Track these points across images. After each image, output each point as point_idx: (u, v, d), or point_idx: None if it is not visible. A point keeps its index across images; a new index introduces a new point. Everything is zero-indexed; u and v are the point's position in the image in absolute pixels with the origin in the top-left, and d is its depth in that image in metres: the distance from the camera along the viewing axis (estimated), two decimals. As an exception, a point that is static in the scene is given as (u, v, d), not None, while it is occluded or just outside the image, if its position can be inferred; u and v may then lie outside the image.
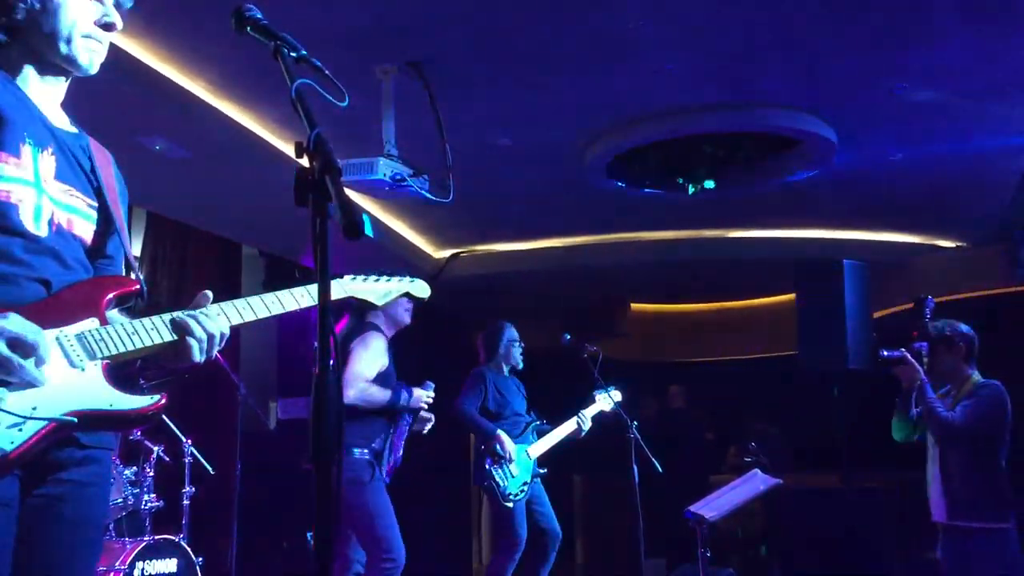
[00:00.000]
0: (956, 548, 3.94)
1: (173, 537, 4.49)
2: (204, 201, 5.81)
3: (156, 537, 4.38)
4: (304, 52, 1.66)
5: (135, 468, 4.65)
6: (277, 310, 2.00)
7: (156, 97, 4.37)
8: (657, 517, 5.51)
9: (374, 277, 2.43)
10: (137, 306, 1.92)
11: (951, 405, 3.99)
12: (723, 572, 5.17)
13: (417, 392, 4.29)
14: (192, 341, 1.81)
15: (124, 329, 1.78)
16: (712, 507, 4.52)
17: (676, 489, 5.52)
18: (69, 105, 2.01)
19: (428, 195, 4.38)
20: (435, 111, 4.44)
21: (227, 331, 1.88)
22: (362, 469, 4.11)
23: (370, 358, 4.19)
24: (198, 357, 1.83)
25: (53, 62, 1.87)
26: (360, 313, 4.33)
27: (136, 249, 6.02)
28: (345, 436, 4.12)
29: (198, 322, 1.82)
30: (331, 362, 1.42)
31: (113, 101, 4.22)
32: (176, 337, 1.81)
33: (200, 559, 4.52)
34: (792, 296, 6.73)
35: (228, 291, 6.97)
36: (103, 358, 1.74)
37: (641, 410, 8.10)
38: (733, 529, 8.18)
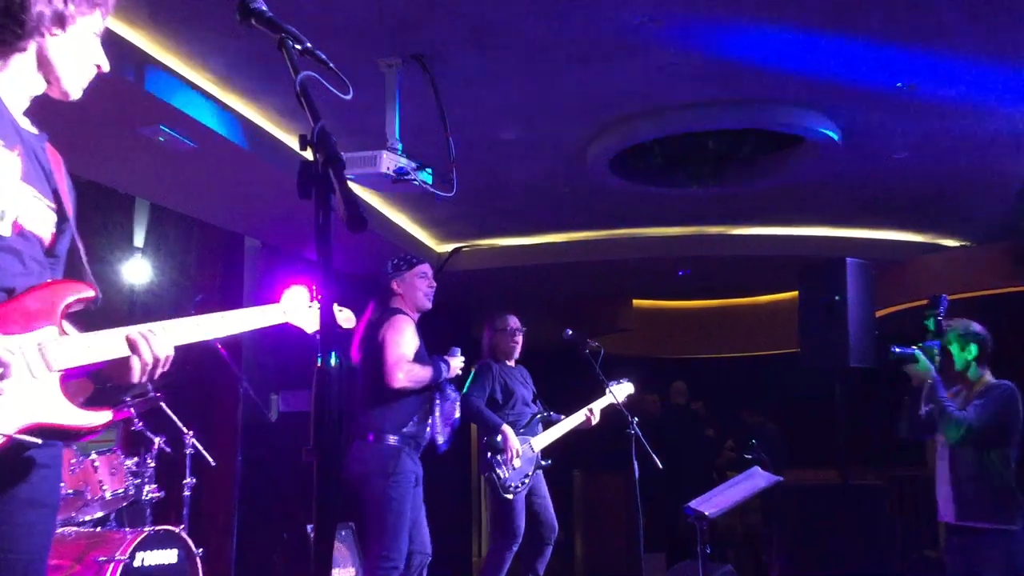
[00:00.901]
0: (963, 549, 3.91)
1: (174, 528, 4.49)
2: (207, 193, 5.81)
3: (157, 528, 4.39)
4: (308, 44, 1.66)
5: (136, 459, 4.66)
6: (216, 333, 2.08)
7: (159, 88, 4.37)
8: (657, 513, 5.52)
9: (308, 304, 2.53)
10: (90, 310, 1.94)
11: (962, 404, 3.95)
12: (722, 568, 5.17)
13: (453, 362, 4.30)
14: (135, 362, 1.85)
15: (83, 342, 1.81)
16: (712, 503, 4.53)
17: (676, 485, 5.53)
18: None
19: (431, 189, 4.38)
20: (439, 105, 4.44)
21: (171, 352, 1.91)
22: (387, 457, 4.05)
23: (404, 340, 4.16)
24: (136, 378, 1.86)
25: (46, 79, 1.92)
26: (383, 300, 4.34)
27: (139, 240, 6.03)
28: (374, 422, 4.10)
29: (148, 343, 1.86)
30: (333, 354, 1.42)
31: (117, 92, 4.22)
32: (130, 353, 1.85)
33: (200, 550, 4.52)
34: (794, 294, 6.73)
35: (230, 283, 7.00)
36: (59, 370, 1.76)
37: (644, 406, 8.11)
38: (733, 525, 8.19)
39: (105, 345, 1.83)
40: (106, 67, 1.99)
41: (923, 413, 4.03)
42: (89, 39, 1.92)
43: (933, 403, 3.91)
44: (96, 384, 1.92)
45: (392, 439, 4.09)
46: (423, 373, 4.16)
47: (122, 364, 1.85)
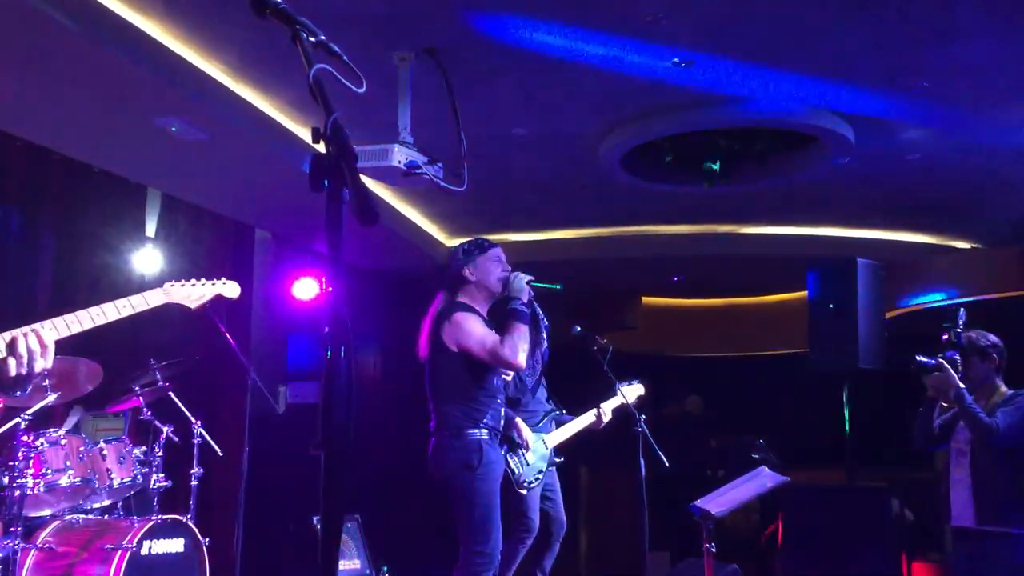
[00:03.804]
0: (981, 553, 3.94)
1: (181, 517, 4.52)
2: (218, 183, 5.83)
3: (164, 517, 4.41)
4: (323, 37, 1.66)
5: (145, 448, 4.68)
6: (101, 321, 2.28)
7: (173, 78, 4.38)
8: (662, 511, 5.51)
9: (191, 282, 2.72)
10: None
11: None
12: (727, 567, 5.16)
13: (515, 283, 4.07)
14: (11, 359, 2.03)
15: None
16: (718, 502, 4.51)
17: (682, 483, 5.52)
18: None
19: (442, 183, 4.37)
20: (451, 99, 4.43)
21: (50, 345, 2.10)
22: (470, 452, 3.94)
23: (477, 328, 3.98)
24: (12, 372, 2.04)
25: None
26: (452, 289, 4.15)
27: (150, 230, 6.05)
28: (452, 418, 3.97)
29: (26, 341, 2.05)
30: (343, 347, 1.42)
31: (130, 82, 4.23)
32: (6, 353, 2.05)
33: (207, 540, 4.55)
34: (804, 293, 6.71)
35: (240, 274, 7.04)
36: None
37: (663, 410, 8.16)
38: (738, 525, 8.18)
39: None
40: None
41: (936, 425, 4.12)
42: None
43: (962, 411, 3.96)
44: None
45: (473, 433, 3.97)
46: (517, 332, 3.94)
47: (2, 362, 2.05)
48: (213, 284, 2.79)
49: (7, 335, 2.06)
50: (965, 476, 4.03)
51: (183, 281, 2.73)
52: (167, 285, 2.63)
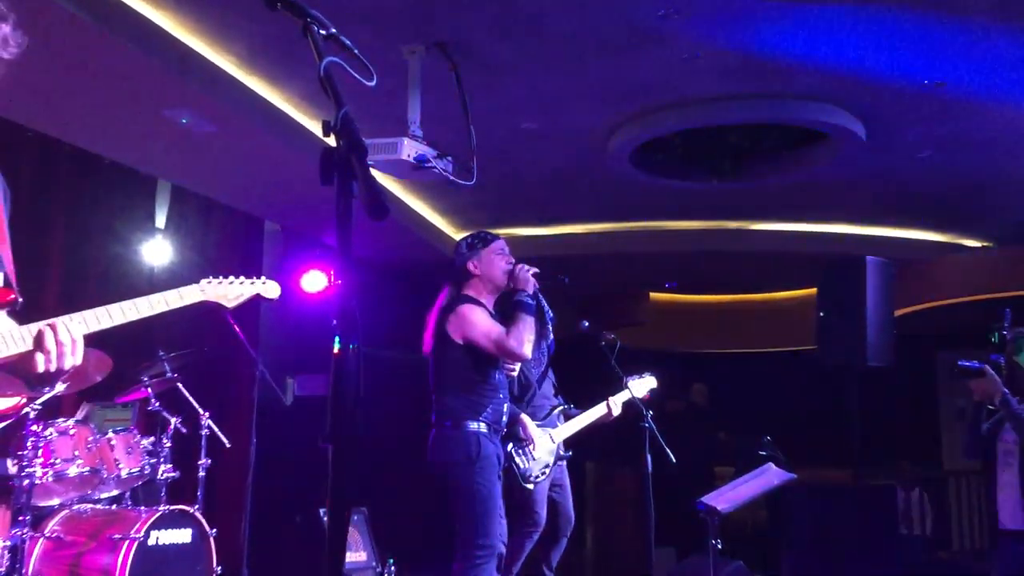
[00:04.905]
0: None
1: (188, 508, 4.53)
2: (228, 176, 5.83)
3: (171, 507, 4.42)
4: (334, 30, 1.66)
5: (152, 438, 4.70)
6: (132, 316, 2.17)
7: (183, 70, 4.39)
8: (668, 507, 5.51)
9: (229, 280, 2.57)
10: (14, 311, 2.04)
11: None
12: (733, 564, 5.16)
13: (520, 275, 4.04)
14: (39, 355, 1.94)
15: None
16: (724, 499, 4.50)
17: (688, 480, 5.51)
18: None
19: (451, 177, 4.37)
20: (461, 93, 4.43)
21: (79, 339, 2.01)
22: (468, 445, 3.92)
23: (482, 320, 3.96)
24: (41, 368, 1.94)
25: None
26: (457, 283, 4.12)
27: (160, 221, 6.06)
28: (452, 410, 3.95)
29: (54, 332, 1.95)
30: (352, 340, 1.42)
31: (141, 74, 4.24)
32: (33, 347, 1.95)
33: (214, 530, 4.56)
34: (813, 291, 6.69)
35: (249, 266, 7.04)
36: None
37: (668, 405, 8.12)
38: (744, 521, 8.18)
39: (15, 340, 1.95)
40: None
41: (985, 430, 4.08)
42: None
43: (1007, 414, 3.92)
44: (18, 377, 2.02)
45: (472, 425, 3.95)
46: (523, 323, 3.92)
47: (29, 356, 1.95)
48: (252, 283, 2.62)
49: (33, 327, 1.96)
50: (1013, 478, 4.00)
51: (220, 279, 2.56)
52: (204, 282, 2.48)
